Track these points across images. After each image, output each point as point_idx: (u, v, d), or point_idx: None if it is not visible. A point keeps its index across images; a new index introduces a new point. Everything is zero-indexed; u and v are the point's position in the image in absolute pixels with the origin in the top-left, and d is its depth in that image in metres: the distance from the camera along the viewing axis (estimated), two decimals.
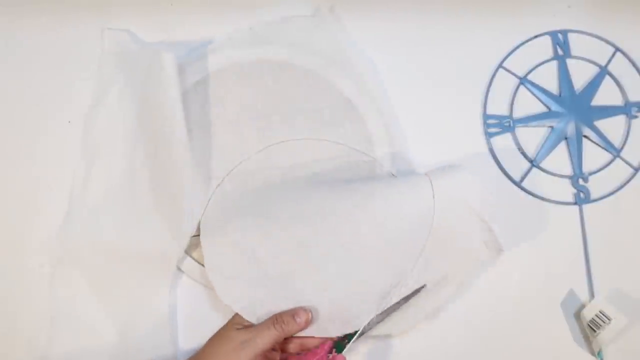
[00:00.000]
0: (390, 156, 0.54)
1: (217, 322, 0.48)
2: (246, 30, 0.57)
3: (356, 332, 0.47)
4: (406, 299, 0.48)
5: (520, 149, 0.56)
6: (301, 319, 0.46)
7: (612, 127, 0.57)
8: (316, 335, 0.47)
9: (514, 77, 0.58)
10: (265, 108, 0.55)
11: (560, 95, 0.58)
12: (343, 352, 0.46)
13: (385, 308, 0.47)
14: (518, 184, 0.55)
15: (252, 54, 0.56)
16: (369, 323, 0.47)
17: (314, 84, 0.55)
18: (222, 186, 0.52)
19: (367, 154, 0.53)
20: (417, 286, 0.48)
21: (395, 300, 0.48)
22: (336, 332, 0.47)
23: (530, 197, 0.55)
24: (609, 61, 0.59)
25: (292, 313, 0.46)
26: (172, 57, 0.50)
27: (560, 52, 0.59)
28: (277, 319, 0.46)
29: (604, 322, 0.49)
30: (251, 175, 0.53)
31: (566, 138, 0.57)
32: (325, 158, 0.53)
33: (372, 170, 0.53)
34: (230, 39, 0.57)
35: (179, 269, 0.51)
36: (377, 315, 0.47)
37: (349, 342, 0.46)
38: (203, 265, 0.50)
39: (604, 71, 0.58)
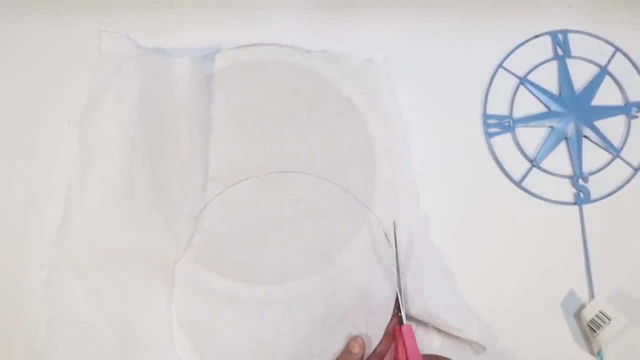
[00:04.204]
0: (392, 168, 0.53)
1: (215, 322, 0.48)
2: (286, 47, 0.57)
3: (400, 305, 0.48)
4: (396, 250, 0.49)
5: (520, 149, 0.56)
6: (356, 348, 0.47)
7: (612, 127, 0.57)
8: None
9: (514, 77, 0.58)
10: (269, 110, 0.55)
11: (560, 95, 0.58)
12: (404, 322, 0.47)
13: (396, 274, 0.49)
14: (518, 184, 0.55)
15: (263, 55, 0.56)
16: (399, 288, 0.48)
17: (322, 89, 0.55)
18: (222, 196, 0.52)
19: (366, 207, 0.52)
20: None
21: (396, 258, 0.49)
22: None
23: (530, 197, 0.55)
24: (609, 61, 0.59)
25: (346, 349, 0.47)
26: (182, 62, 0.51)
27: (560, 52, 0.59)
28: None
29: (604, 322, 0.49)
30: (245, 197, 0.52)
31: (566, 138, 0.56)
32: (323, 199, 0.52)
33: (370, 229, 0.51)
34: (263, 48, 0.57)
35: None
36: (397, 281, 0.48)
37: (400, 312, 0.48)
38: None
39: (604, 71, 0.58)
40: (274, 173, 0.52)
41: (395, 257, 0.49)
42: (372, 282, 0.50)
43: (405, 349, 0.45)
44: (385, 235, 0.51)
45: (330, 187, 0.52)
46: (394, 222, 0.50)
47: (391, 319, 0.48)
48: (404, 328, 0.46)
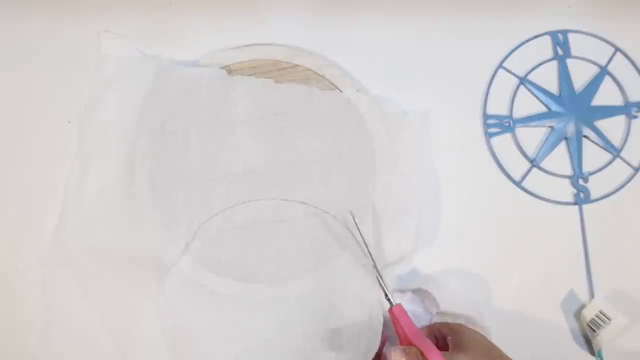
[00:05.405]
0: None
1: (212, 322, 0.48)
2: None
3: (384, 289, 0.47)
4: (364, 241, 0.49)
5: (520, 149, 0.56)
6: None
7: (612, 127, 0.57)
8: None
9: (514, 77, 0.58)
10: (277, 109, 0.54)
11: (560, 95, 0.58)
12: (393, 303, 0.47)
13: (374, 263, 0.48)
14: (518, 184, 0.55)
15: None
16: (380, 277, 0.48)
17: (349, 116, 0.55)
18: (228, 210, 0.52)
19: (352, 233, 0.51)
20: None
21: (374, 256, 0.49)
22: None
23: (530, 197, 0.55)
24: (609, 61, 0.59)
25: None
26: (186, 63, 0.51)
27: (560, 52, 0.59)
28: None
29: (604, 322, 0.49)
30: (252, 213, 0.52)
31: (566, 138, 0.57)
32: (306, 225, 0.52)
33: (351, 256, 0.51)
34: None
35: None
36: (376, 271, 0.48)
37: (388, 297, 0.47)
38: None
39: (604, 71, 0.58)
40: (288, 201, 0.52)
41: (365, 247, 0.49)
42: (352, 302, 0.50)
43: (402, 328, 0.45)
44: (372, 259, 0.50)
45: (337, 222, 0.52)
46: (351, 212, 0.50)
47: (381, 341, 0.48)
48: (394, 309, 0.46)
